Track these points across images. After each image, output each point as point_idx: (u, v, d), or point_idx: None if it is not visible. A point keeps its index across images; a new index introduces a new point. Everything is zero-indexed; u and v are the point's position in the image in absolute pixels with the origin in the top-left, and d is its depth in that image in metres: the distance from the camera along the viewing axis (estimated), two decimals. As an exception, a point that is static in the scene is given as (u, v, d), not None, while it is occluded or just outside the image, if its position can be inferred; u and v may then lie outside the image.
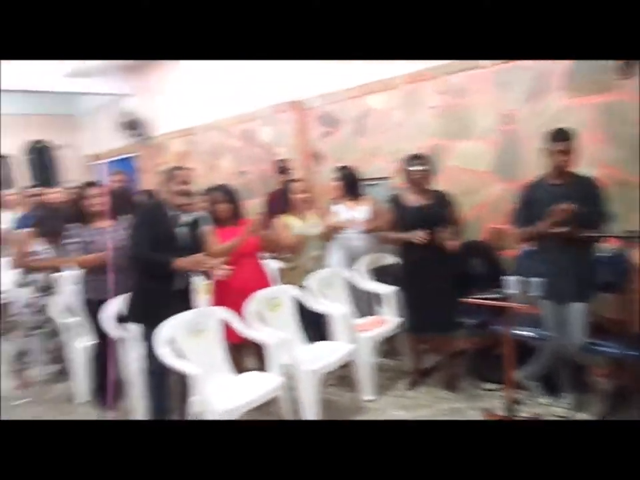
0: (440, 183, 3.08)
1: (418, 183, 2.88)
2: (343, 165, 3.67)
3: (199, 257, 2.44)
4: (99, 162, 6.88)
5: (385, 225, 2.98)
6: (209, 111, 5.10)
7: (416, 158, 2.90)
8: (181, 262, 2.41)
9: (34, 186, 5.12)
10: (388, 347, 3.53)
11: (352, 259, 3.48)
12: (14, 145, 6.59)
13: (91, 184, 3.17)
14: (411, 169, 2.88)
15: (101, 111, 6.52)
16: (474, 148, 3.37)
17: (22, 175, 6.63)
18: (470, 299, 2.36)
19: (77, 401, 3.23)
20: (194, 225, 2.66)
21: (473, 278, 3.05)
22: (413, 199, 2.91)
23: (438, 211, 2.84)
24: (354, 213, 3.46)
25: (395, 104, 3.72)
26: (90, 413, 3.04)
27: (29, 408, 3.25)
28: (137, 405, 2.74)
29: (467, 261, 3.15)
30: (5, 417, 2.89)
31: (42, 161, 6.84)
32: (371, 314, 3.40)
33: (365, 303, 3.55)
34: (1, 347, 3.17)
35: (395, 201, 2.95)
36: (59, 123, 6.92)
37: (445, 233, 2.73)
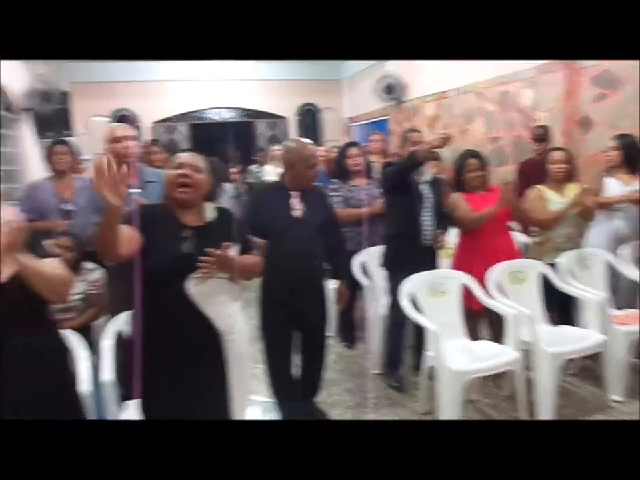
0: None
1: None
2: (622, 132, 3.21)
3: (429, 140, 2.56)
4: (357, 124, 7.44)
5: None
6: (465, 73, 4.99)
7: None
8: (417, 150, 2.55)
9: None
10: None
11: (617, 241, 3.08)
12: (289, 107, 7.60)
13: (352, 144, 3.51)
14: None
15: (361, 75, 6.97)
16: None
17: (294, 134, 7.62)
18: None
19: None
20: (434, 184, 2.77)
21: None
22: None
23: None
24: (628, 189, 3.02)
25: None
26: (335, 346, 3.49)
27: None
28: (374, 347, 3.02)
29: None
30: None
31: (309, 122, 7.72)
32: (635, 307, 3.00)
33: (629, 294, 3.12)
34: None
35: None
36: (324, 87, 7.65)
37: None
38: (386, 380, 2.86)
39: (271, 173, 5.41)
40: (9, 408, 1.42)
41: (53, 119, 5.08)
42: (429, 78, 5.58)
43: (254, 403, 2.76)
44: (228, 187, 4.67)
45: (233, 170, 5.02)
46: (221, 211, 1.82)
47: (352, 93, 7.54)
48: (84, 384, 1.77)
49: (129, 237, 1.58)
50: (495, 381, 2.78)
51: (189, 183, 1.69)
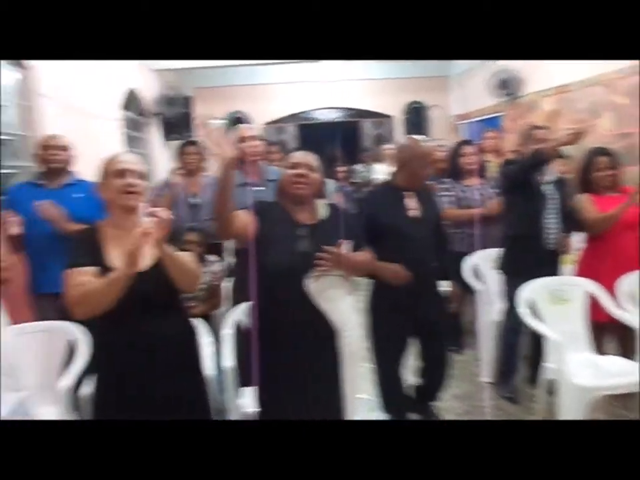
0: None
1: None
2: None
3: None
4: (467, 121, 7.17)
5: None
6: (592, 64, 4.59)
7: None
8: (543, 148, 2.38)
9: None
10: None
11: None
12: (395, 106, 7.54)
13: (465, 142, 3.40)
14: None
15: (470, 71, 6.71)
16: None
17: (400, 133, 7.55)
18: None
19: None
20: (558, 184, 2.58)
21: None
22: None
23: None
24: None
25: None
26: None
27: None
28: (485, 355, 2.90)
29: None
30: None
31: (416, 120, 7.59)
32: None
33: None
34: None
35: None
36: (432, 84, 7.48)
37: None
38: (498, 390, 2.73)
39: (381, 172, 5.40)
40: (145, 385, 1.56)
41: (178, 122, 5.50)
42: (548, 71, 5.22)
43: (360, 400, 2.78)
44: (330, 183, 4.72)
45: (340, 169, 5.07)
46: (332, 208, 1.85)
47: (461, 89, 7.28)
48: (208, 368, 1.90)
49: (245, 219, 1.66)
50: (624, 401, 2.53)
51: (305, 181, 1.75)
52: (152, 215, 1.40)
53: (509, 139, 5.71)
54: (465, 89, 7.12)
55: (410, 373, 2.41)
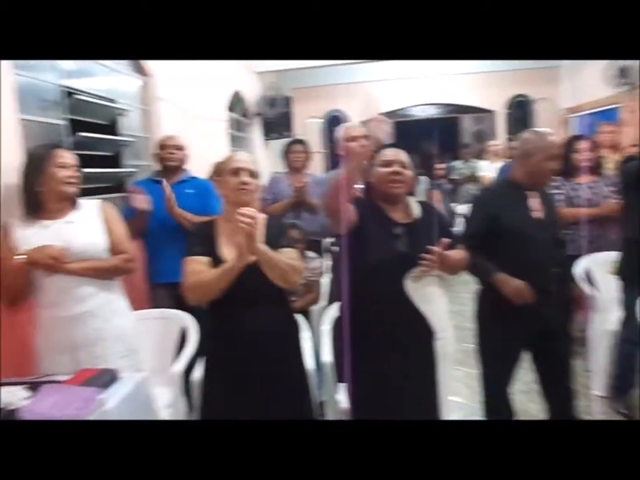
0: None
1: None
2: None
3: None
4: (577, 114, 6.67)
5: None
6: None
7: None
8: None
9: (510, 139, 5.49)
10: None
11: None
12: (499, 100, 7.19)
13: (577, 137, 3.17)
14: None
15: (583, 61, 6.22)
16: None
17: (504, 128, 7.19)
18: None
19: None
20: None
21: None
22: None
23: None
24: None
25: None
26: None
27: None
28: (597, 366, 2.69)
29: None
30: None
31: (520, 114, 7.18)
32: None
33: None
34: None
35: None
36: (540, 76, 7.03)
37: None
38: (613, 405, 2.52)
39: (487, 169, 5.21)
40: (250, 377, 1.63)
41: (278, 122, 5.69)
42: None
43: (454, 403, 2.71)
44: (422, 180, 4.61)
45: (438, 166, 4.97)
46: (425, 206, 1.82)
47: (572, 80, 6.77)
48: (309, 362, 1.95)
49: (349, 210, 1.62)
50: None
51: (401, 179, 1.72)
52: (242, 214, 1.43)
53: (628, 133, 5.23)
54: (577, 79, 6.61)
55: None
